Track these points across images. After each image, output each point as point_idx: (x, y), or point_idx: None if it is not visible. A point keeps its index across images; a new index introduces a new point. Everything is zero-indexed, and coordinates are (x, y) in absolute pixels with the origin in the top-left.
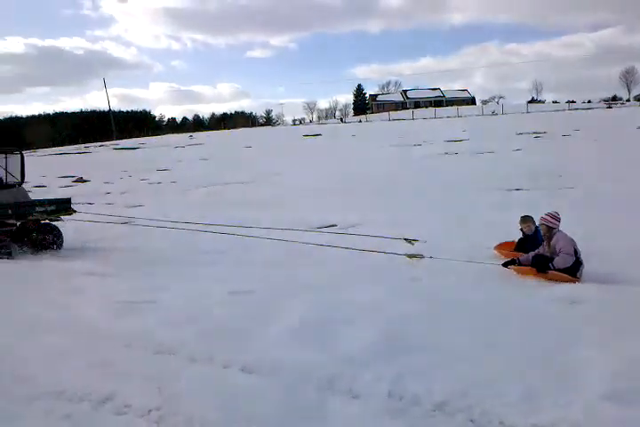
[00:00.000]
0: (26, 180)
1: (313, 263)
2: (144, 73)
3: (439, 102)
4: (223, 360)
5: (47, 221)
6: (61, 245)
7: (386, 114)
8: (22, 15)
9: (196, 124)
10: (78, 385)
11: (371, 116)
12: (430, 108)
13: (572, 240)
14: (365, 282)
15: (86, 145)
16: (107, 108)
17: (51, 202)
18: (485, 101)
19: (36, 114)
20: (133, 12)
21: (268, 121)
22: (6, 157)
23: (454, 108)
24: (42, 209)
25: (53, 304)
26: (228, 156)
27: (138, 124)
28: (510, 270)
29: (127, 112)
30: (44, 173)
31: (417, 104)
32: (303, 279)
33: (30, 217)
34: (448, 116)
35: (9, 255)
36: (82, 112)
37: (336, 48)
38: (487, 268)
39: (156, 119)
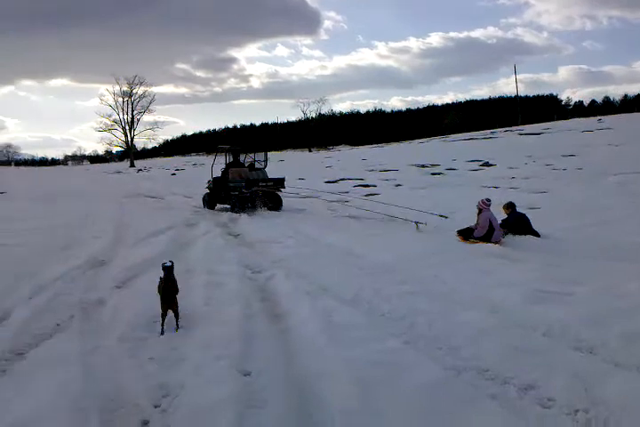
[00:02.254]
0: (438, 162)
1: None
2: (552, 57)
3: None
4: None
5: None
6: (280, 208)
7: None
8: (444, 11)
9: (605, 107)
10: (501, 367)
11: None
12: None
13: (489, 218)
14: None
15: (492, 130)
16: (513, 94)
17: (271, 180)
18: None
19: (450, 102)
20: None
21: None
22: (255, 153)
23: None
24: (264, 184)
25: (467, 281)
26: None
27: (543, 108)
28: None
29: (533, 97)
30: (454, 157)
31: None
32: None
33: (254, 188)
34: None
35: (243, 211)
36: (489, 99)
37: None
38: None
39: (563, 103)
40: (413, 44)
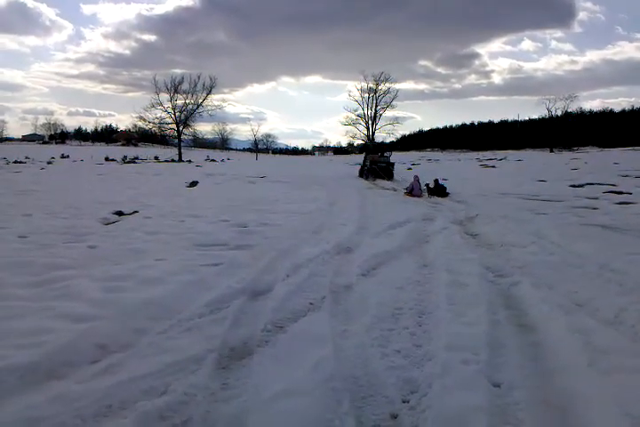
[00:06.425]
0: None
1: None
2: None
3: None
4: None
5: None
6: (391, 179)
7: None
8: None
9: None
10: None
11: None
12: None
13: (413, 184)
14: None
15: None
16: None
17: (385, 162)
18: None
19: None
20: None
21: None
22: (383, 151)
23: None
24: (381, 165)
25: None
26: None
27: None
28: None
29: None
30: None
31: None
32: None
33: (374, 166)
34: None
35: (370, 178)
36: None
37: None
38: None
39: None
40: None
